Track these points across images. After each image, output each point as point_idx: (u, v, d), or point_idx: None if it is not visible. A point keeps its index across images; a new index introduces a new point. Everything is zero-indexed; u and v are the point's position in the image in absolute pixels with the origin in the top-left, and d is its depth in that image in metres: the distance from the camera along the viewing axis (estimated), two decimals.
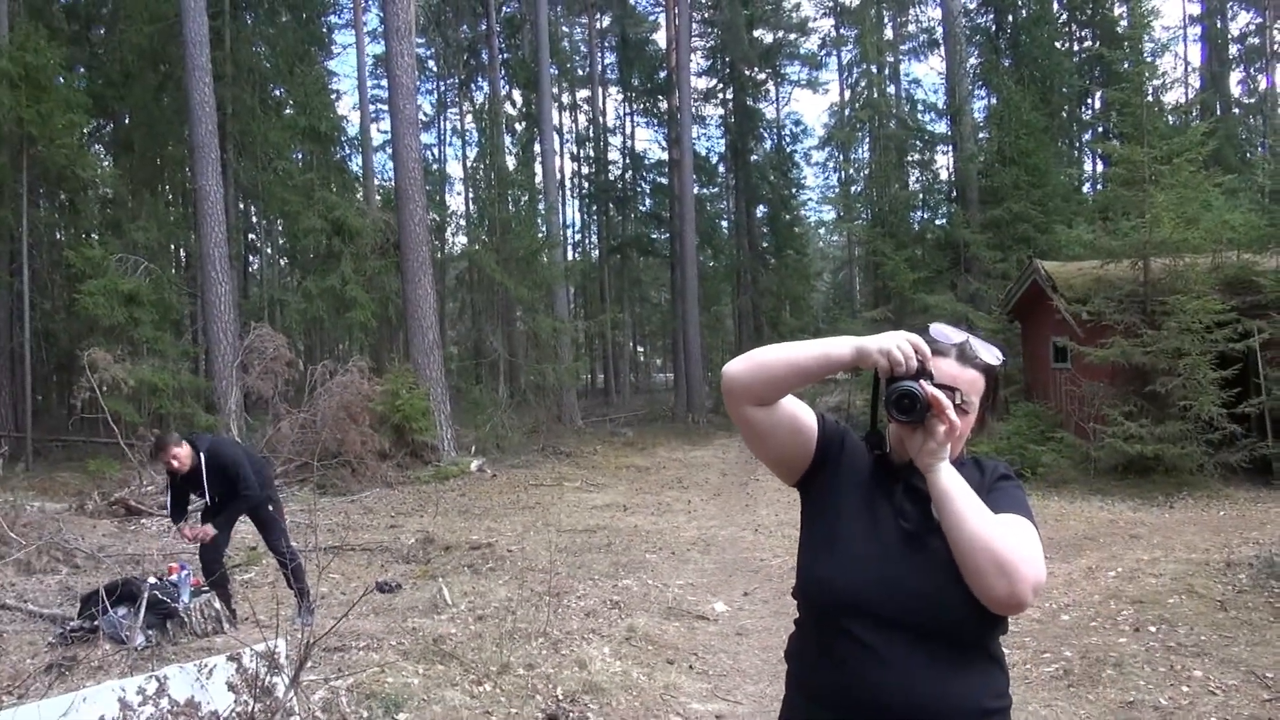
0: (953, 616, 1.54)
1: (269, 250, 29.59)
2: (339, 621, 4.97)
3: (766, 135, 34.88)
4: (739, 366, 1.67)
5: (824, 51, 36.43)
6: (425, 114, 33.04)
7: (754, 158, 33.12)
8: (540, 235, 23.13)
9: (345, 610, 5.38)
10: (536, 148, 27.53)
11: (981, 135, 26.97)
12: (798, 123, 50.72)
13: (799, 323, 31.16)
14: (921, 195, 30.09)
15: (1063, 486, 11.96)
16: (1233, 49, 32.00)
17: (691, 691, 5.05)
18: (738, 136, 32.92)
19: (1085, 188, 28.89)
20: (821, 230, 45.43)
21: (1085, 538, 8.76)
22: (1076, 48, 29.68)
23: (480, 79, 33.22)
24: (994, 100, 27.60)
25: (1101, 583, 7.01)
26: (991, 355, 1.70)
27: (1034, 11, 27.11)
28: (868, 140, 32.01)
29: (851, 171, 33.91)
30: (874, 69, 32.28)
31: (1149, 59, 24.17)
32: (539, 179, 25.87)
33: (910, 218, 28.61)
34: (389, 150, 25.85)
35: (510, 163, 24.51)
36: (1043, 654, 5.47)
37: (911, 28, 34.26)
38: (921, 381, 1.57)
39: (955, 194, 27.96)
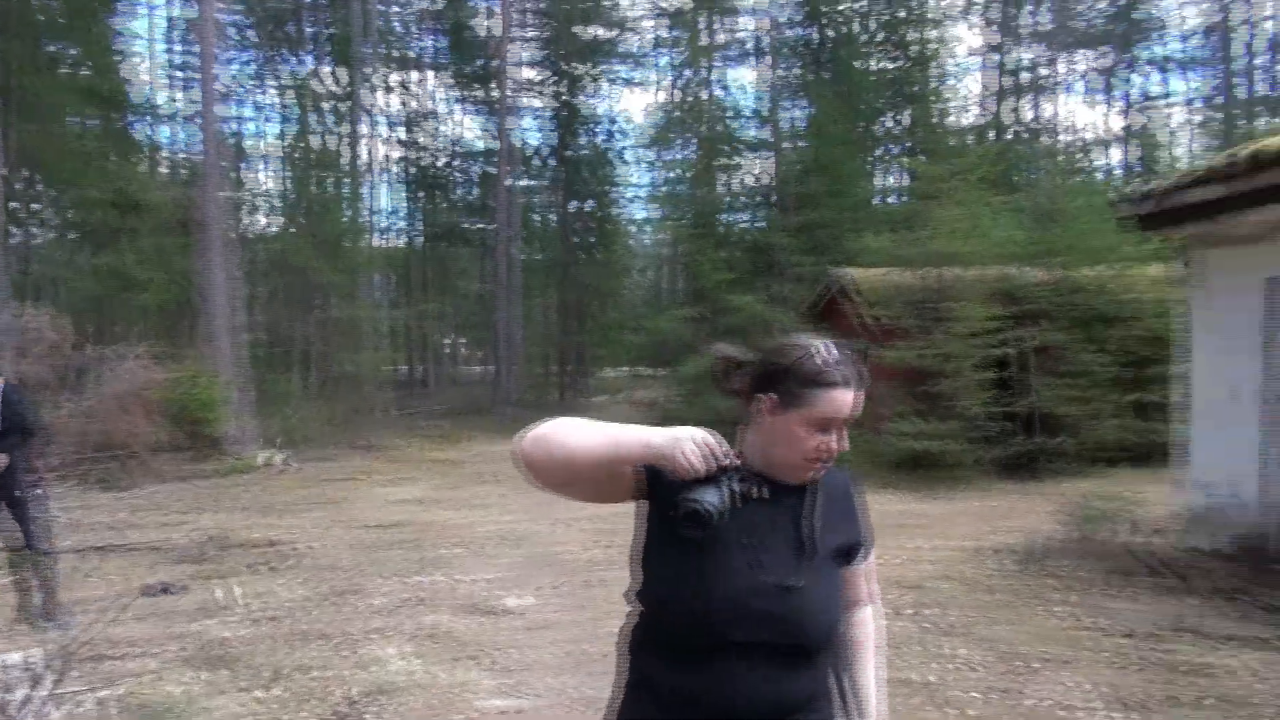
0: (811, 636, 1.64)
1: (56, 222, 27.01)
2: (103, 627, 4.60)
3: (591, 130, 35.04)
4: (531, 453, 1.59)
5: (651, 51, 36.97)
6: (237, 85, 31.11)
7: (575, 152, 33.22)
8: (351, 219, 22.27)
9: (113, 615, 4.99)
10: (361, 128, 26.52)
11: (786, 144, 28.19)
12: (624, 120, 51.22)
13: (616, 317, 31.55)
14: (739, 198, 31.13)
15: (862, 480, 12.72)
16: (1016, 78, 34.87)
17: (487, 687, 5.01)
18: (563, 130, 32.92)
19: (885, 199, 30.76)
20: (646, 228, 46.25)
21: (877, 526, 9.32)
22: (890, 66, 31.50)
23: (298, 53, 31.62)
24: (810, 110, 28.94)
25: (885, 571, 7.49)
26: (866, 371, 1.72)
27: (845, 30, 28.62)
28: (689, 142, 32.75)
29: (672, 172, 34.60)
30: (698, 72, 33.08)
31: (945, 83, 26.01)
32: (362, 160, 24.90)
33: (726, 220, 29.56)
34: (190, 121, 24.16)
35: (326, 142, 23.46)
36: None
37: (724, 36, 35.27)
38: (722, 484, 1.51)
39: (770, 199, 29.09)
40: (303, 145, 22.31)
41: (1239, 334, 7.21)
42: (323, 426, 18.86)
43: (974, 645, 5.53)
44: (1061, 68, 35.09)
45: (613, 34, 34.09)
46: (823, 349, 1.67)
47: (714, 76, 34.26)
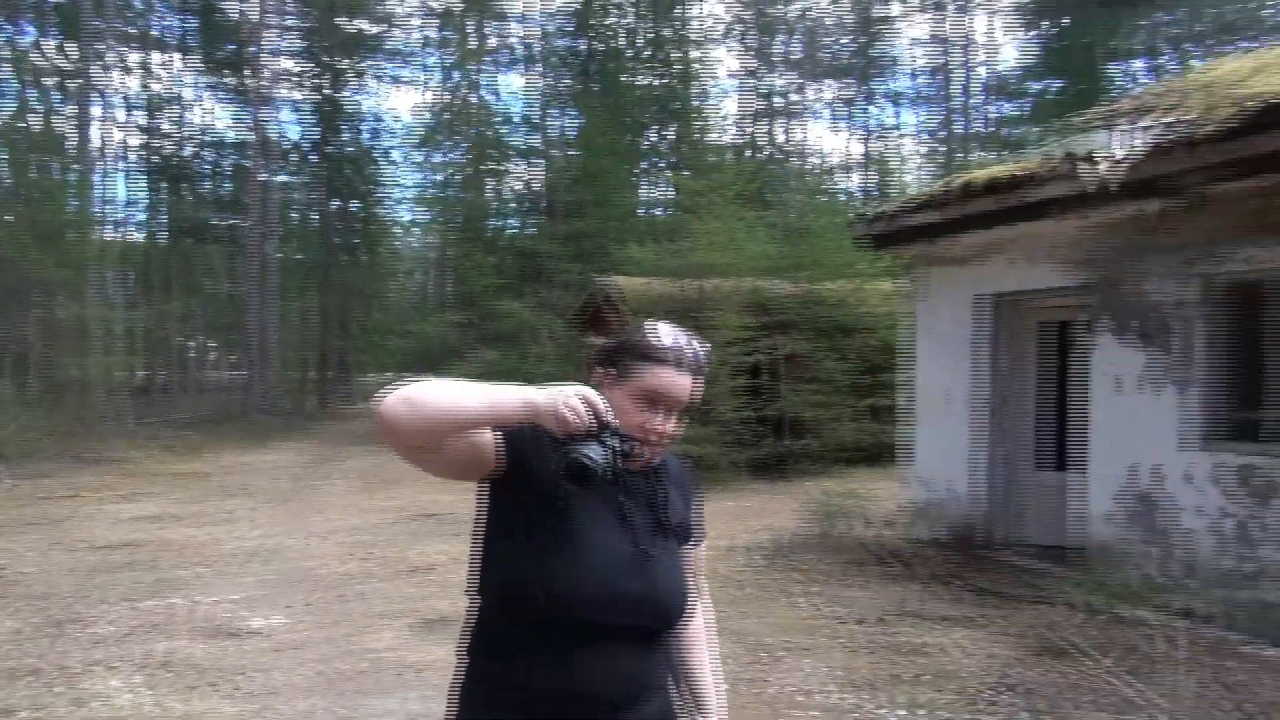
0: (671, 617, 1.66)
1: None
2: None
3: (356, 128, 33.72)
4: (397, 411, 1.45)
5: (419, 50, 36.13)
6: None
7: (338, 149, 31.88)
8: (79, 209, 20.14)
9: None
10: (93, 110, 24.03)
11: (556, 152, 28.51)
12: (391, 119, 49.75)
13: (381, 321, 30.56)
14: (509, 204, 31.07)
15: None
16: (770, 102, 37.12)
17: (227, 715, 4.70)
18: (325, 125, 31.47)
19: (649, 211, 31.75)
20: (414, 230, 45.06)
21: None
22: (655, 83, 32.49)
23: (18, 21, 28.19)
24: (579, 120, 29.37)
25: None
26: (707, 358, 1.71)
27: (614, 44, 29.32)
28: (458, 144, 32.29)
29: (441, 175, 33.97)
30: (467, 75, 32.70)
31: (705, 102, 27.22)
32: (93, 145, 22.54)
33: (496, 225, 29.42)
34: None
35: (50, 123, 21.08)
36: None
37: (495, 41, 35.15)
38: (605, 441, 1.47)
39: (539, 206, 29.24)
40: (21, 125, 19.90)
41: (954, 345, 8.06)
42: (43, 438, 16.91)
43: (725, 639, 5.75)
44: (810, 95, 37.76)
45: (379, 29, 33.03)
46: (660, 328, 1.69)
47: (484, 80, 34.06)
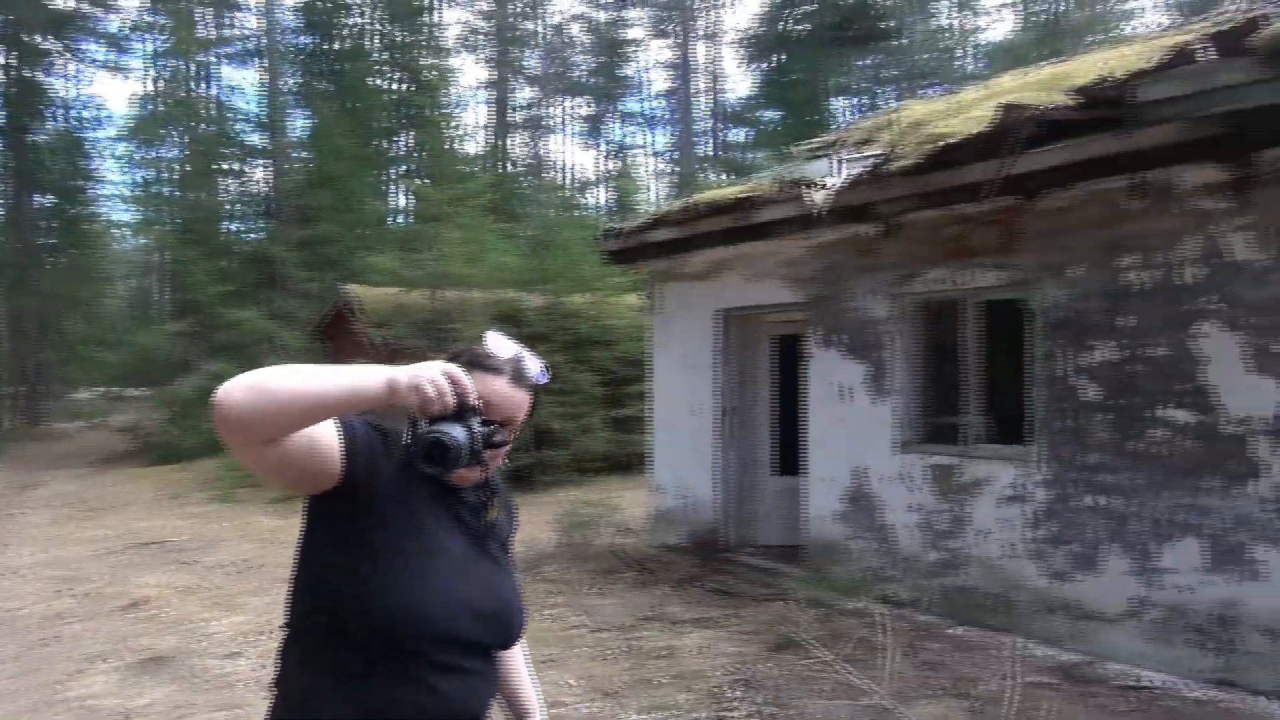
0: (516, 632, 1.65)
1: None
2: None
3: (56, 115, 30.15)
4: (239, 397, 1.29)
5: (133, 35, 32.88)
6: None
7: (34, 137, 28.36)
8: None
9: None
10: None
11: (293, 153, 27.04)
12: (98, 108, 44.85)
13: (90, 330, 27.49)
14: (235, 206, 28.98)
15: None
16: (516, 115, 37.27)
17: None
18: (16, 110, 27.85)
19: (396, 219, 30.84)
20: (129, 231, 40.89)
21: None
22: (395, 87, 31.57)
23: None
24: (313, 121, 27.94)
25: None
26: (540, 373, 1.65)
27: (352, 45, 28.21)
28: (180, 140, 29.71)
29: (159, 171, 31.10)
30: (188, 65, 30.21)
31: (449, 110, 26.82)
32: None
33: (222, 228, 27.36)
34: None
35: None
36: None
37: (233, 31, 32.86)
38: (468, 422, 1.39)
39: (271, 209, 27.52)
40: None
41: (698, 357, 8.42)
42: None
43: None
44: (557, 111, 38.30)
45: (85, 8, 29.76)
46: (494, 339, 1.62)
47: (212, 73, 31.65)
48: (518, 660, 1.86)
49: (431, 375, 1.36)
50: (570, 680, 5.19)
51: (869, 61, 32.71)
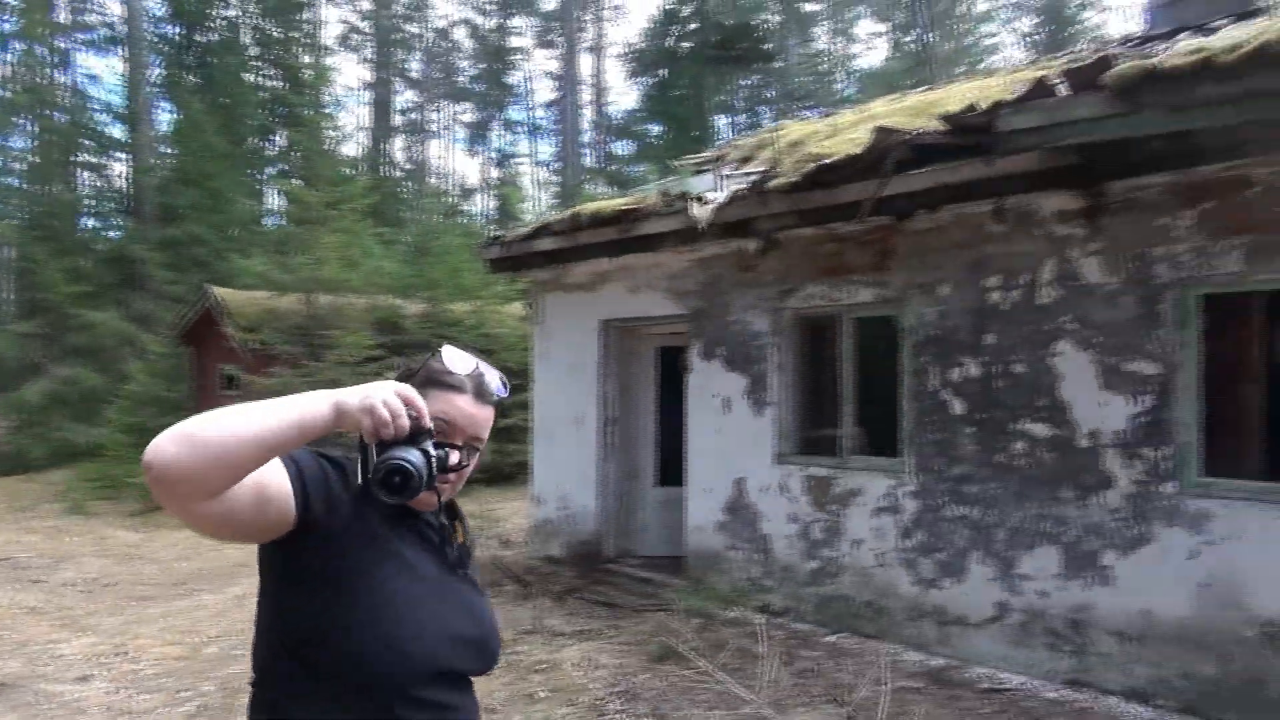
0: (496, 657, 1.57)
1: None
2: None
3: None
4: (172, 452, 1.17)
5: None
6: None
7: None
8: None
9: None
10: None
11: (159, 148, 25.75)
12: None
13: None
14: (92, 202, 27.35)
15: None
16: (397, 119, 36.51)
17: None
18: None
19: (266, 221, 29.70)
20: None
21: (239, 565, 8.80)
22: (266, 83, 30.44)
23: None
24: (180, 115, 26.65)
25: (251, 609, 7.09)
26: (501, 388, 1.56)
27: (224, 38, 27.06)
28: (30, 129, 27.83)
29: (5, 161, 29.05)
30: (41, 50, 28.35)
31: (327, 111, 26.06)
32: None
33: (77, 224, 25.78)
34: None
35: None
36: (181, 693, 5.26)
37: (93, 16, 31.04)
38: (423, 446, 1.30)
39: (130, 206, 26.09)
40: None
41: (581, 368, 8.39)
42: None
43: None
44: (440, 116, 37.73)
45: None
46: (452, 354, 1.52)
47: (69, 60, 29.80)
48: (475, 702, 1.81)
49: (384, 396, 1.28)
50: None
51: (749, 81, 33.50)
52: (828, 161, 5.90)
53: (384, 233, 17.04)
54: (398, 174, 35.23)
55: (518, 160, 41.22)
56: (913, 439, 5.94)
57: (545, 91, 39.85)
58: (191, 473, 1.18)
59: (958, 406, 5.71)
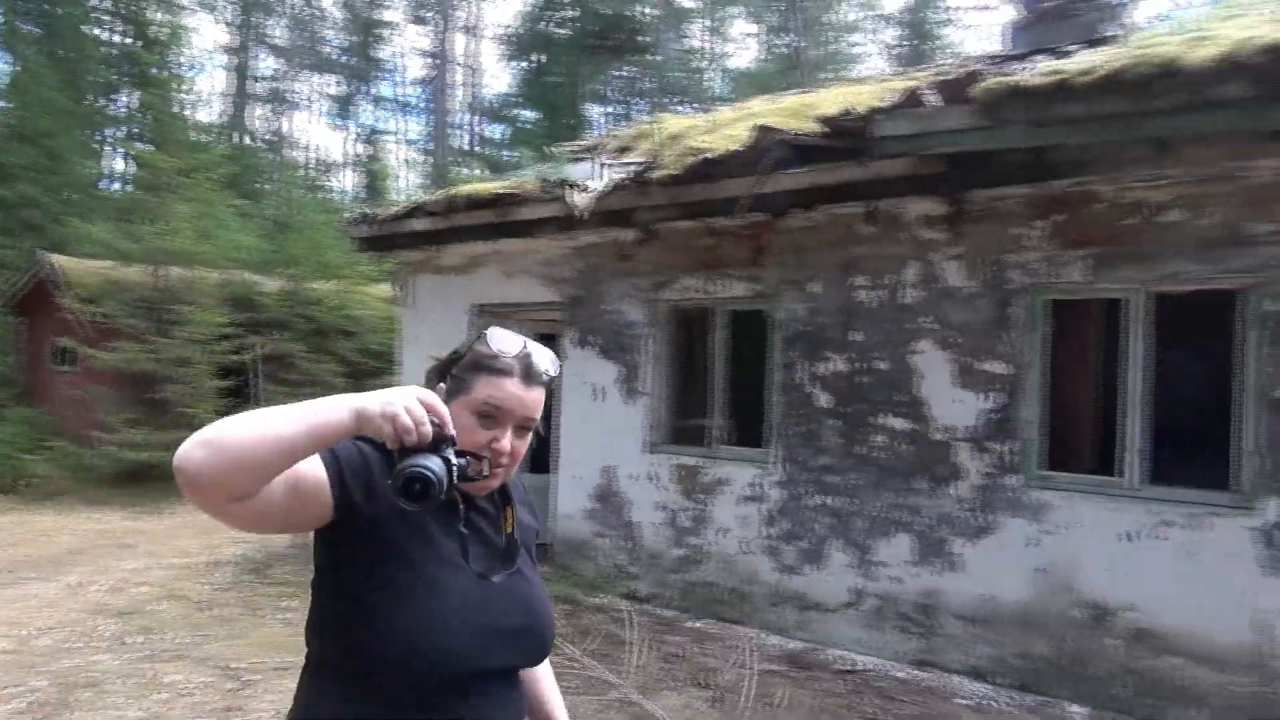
0: (547, 646, 1.55)
1: None
2: None
3: None
4: (200, 458, 1.19)
5: None
6: None
7: None
8: None
9: None
10: None
11: None
12: None
13: None
14: None
15: (57, 498, 11.16)
16: (258, 87, 34.82)
17: None
18: None
19: (112, 185, 27.80)
20: None
21: (73, 553, 8.25)
22: (114, 39, 28.44)
23: None
24: (15, 67, 24.58)
25: (86, 599, 6.66)
26: (553, 366, 1.51)
27: None
28: None
29: None
30: None
31: (181, 72, 24.62)
32: None
33: None
34: None
35: None
36: (11, 687, 4.89)
37: None
38: (445, 454, 1.27)
39: None
40: None
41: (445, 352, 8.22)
42: None
43: (193, 667, 5.25)
44: (305, 87, 36.22)
45: None
46: (500, 335, 1.49)
47: None
48: (544, 672, 1.76)
49: (406, 403, 1.26)
50: None
51: (624, 72, 33.62)
52: (709, 156, 5.99)
53: (241, 205, 16.20)
54: (257, 144, 33.60)
55: (385, 137, 40.04)
56: (780, 430, 6.11)
57: (417, 69, 38.85)
58: (217, 477, 1.21)
59: (823, 400, 5.91)
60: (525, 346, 1.50)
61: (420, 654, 1.37)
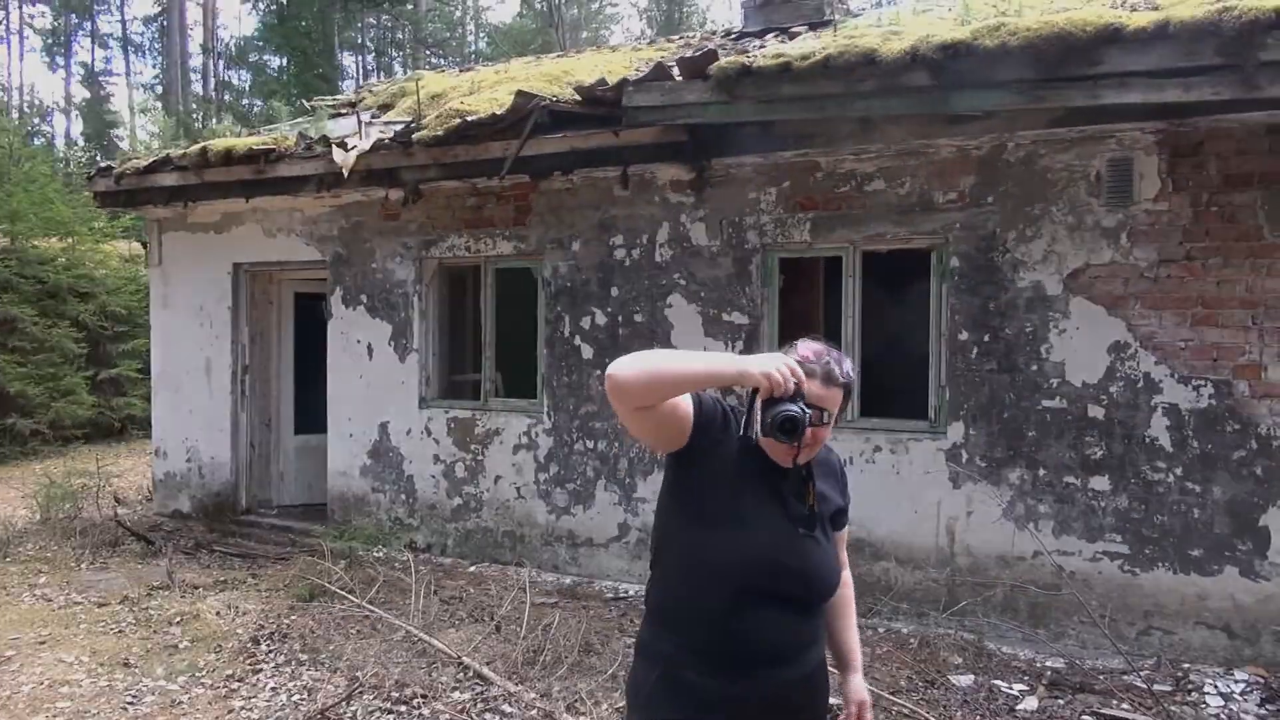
0: (818, 585, 1.90)
1: None
2: None
3: None
4: (630, 373, 1.67)
5: None
6: None
7: None
8: None
9: None
10: None
11: None
12: None
13: None
14: None
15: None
16: None
17: None
18: None
19: None
20: None
21: None
22: None
23: None
24: None
25: None
26: (848, 373, 1.86)
27: None
28: None
29: None
30: None
31: None
32: None
33: None
34: None
35: None
36: None
37: None
38: (800, 404, 1.69)
39: None
40: None
41: (210, 314, 7.98)
42: None
43: None
44: (11, 16, 32.17)
45: None
46: (806, 345, 1.87)
47: None
48: (847, 623, 2.13)
49: (778, 365, 1.67)
50: (77, 657, 4.81)
51: (379, 22, 32.40)
52: (472, 119, 6.20)
53: None
54: None
55: (111, 79, 36.44)
56: (548, 382, 6.51)
57: (146, 4, 35.45)
58: (639, 389, 1.68)
59: (587, 351, 6.36)
60: (826, 354, 1.87)
61: (712, 571, 1.82)
